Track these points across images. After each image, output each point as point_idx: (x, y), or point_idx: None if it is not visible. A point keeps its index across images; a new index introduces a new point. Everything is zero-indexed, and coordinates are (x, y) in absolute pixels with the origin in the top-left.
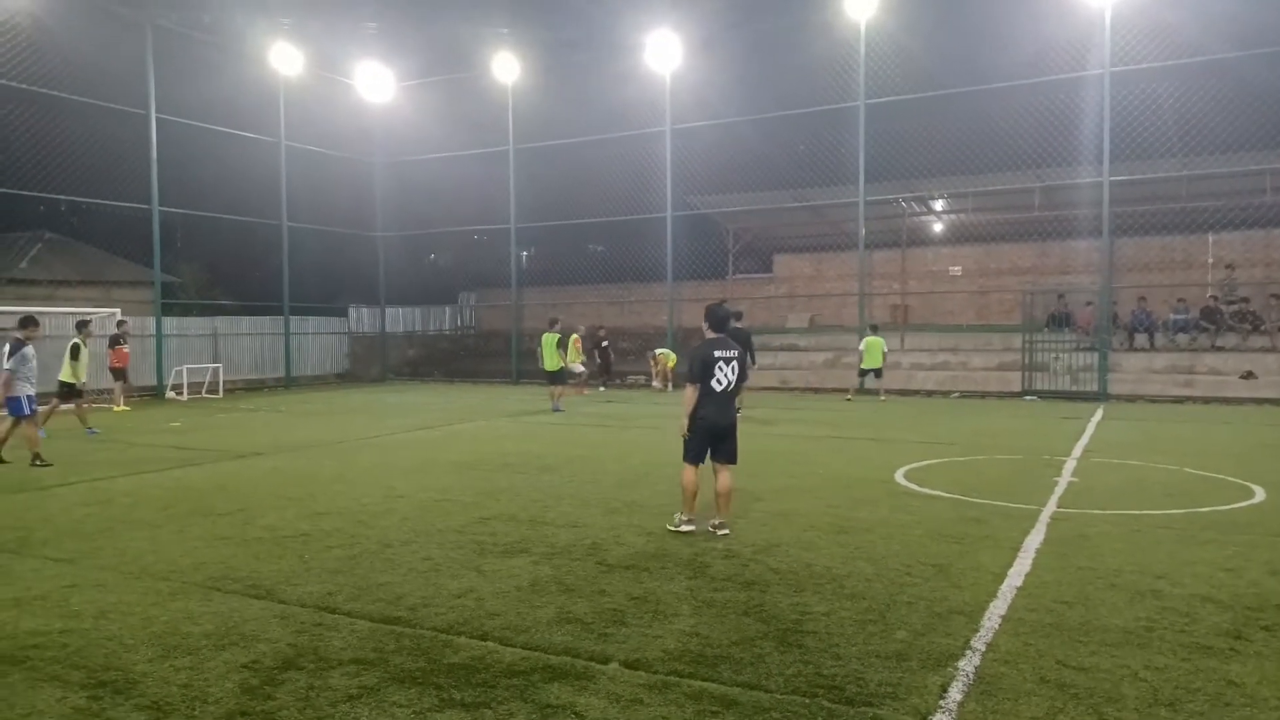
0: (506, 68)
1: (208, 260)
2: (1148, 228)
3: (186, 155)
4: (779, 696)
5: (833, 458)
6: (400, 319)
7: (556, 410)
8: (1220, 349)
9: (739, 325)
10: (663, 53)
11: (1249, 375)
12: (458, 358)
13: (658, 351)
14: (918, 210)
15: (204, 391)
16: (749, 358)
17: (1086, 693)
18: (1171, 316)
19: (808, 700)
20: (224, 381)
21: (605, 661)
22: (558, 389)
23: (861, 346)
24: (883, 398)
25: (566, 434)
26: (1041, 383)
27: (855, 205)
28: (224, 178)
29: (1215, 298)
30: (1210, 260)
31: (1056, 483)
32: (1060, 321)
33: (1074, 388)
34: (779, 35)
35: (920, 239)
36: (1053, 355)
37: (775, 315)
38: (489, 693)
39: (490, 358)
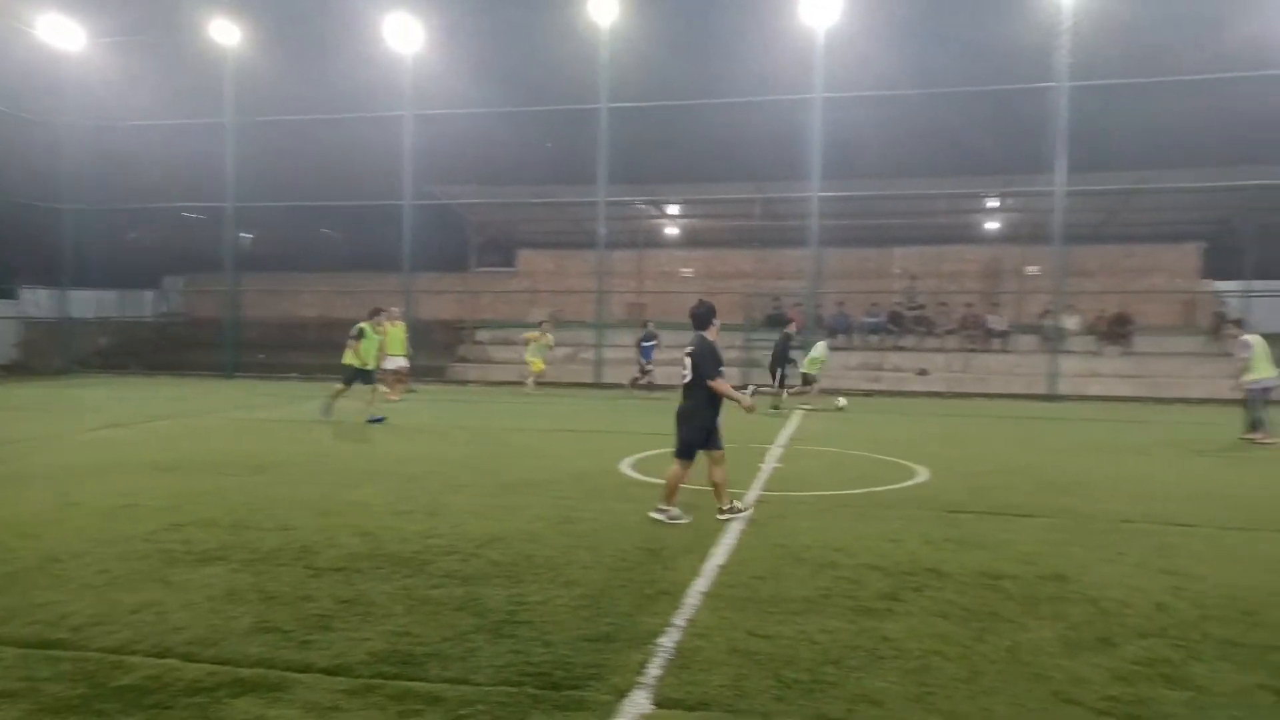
0: (225, 33)
1: None
2: (848, 240)
3: None
4: (486, 689)
5: (565, 451)
6: (89, 304)
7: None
8: (902, 349)
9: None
10: (403, 34)
11: (923, 372)
12: (161, 348)
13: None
14: (654, 214)
15: None
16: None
17: (768, 658)
18: (865, 319)
19: (514, 689)
20: None
21: (304, 670)
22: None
23: (818, 354)
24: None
25: (285, 432)
26: (757, 378)
27: (596, 205)
28: None
29: (900, 304)
30: (897, 271)
31: (762, 468)
32: (775, 322)
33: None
34: (523, 29)
35: (656, 241)
36: (767, 353)
37: (517, 310)
38: (163, 714)
39: (200, 349)
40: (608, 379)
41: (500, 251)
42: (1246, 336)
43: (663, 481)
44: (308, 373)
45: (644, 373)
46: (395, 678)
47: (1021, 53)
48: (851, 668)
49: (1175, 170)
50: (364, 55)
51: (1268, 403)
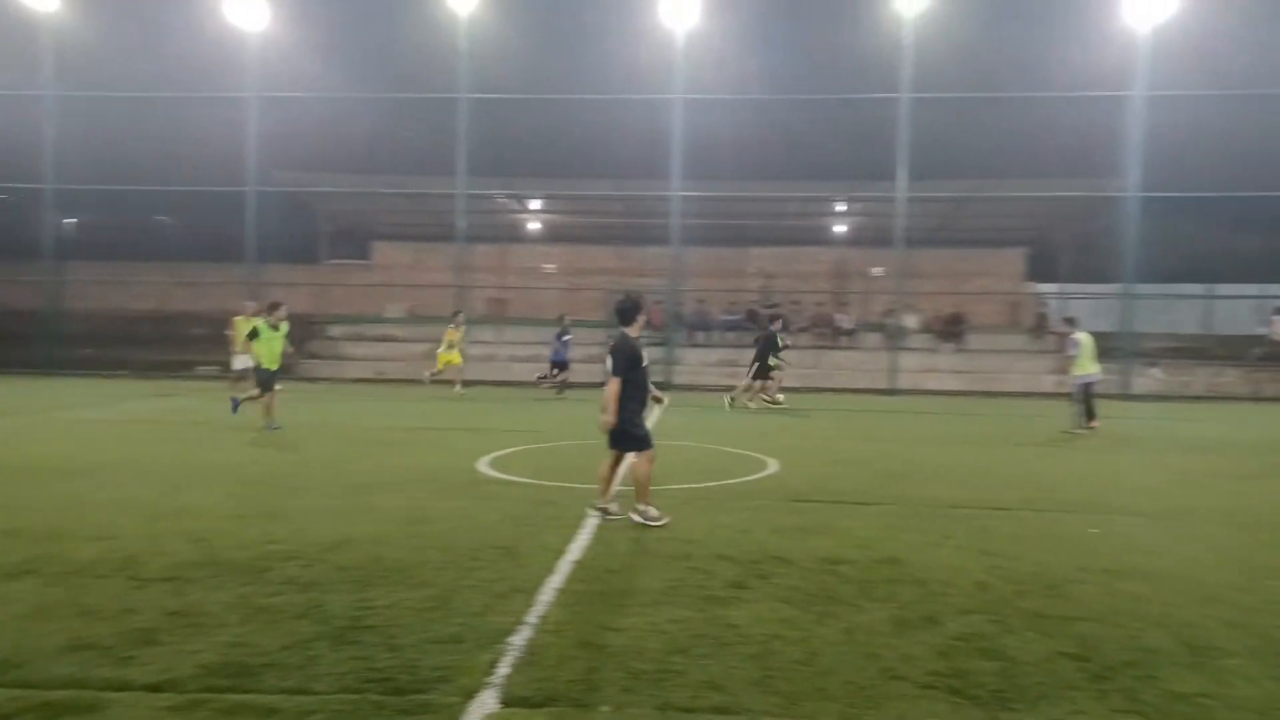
0: None
1: None
2: (708, 239)
3: None
4: (326, 697)
5: (421, 449)
6: None
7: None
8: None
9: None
10: (248, 11)
11: (777, 368)
12: None
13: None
14: (515, 208)
15: None
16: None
17: (618, 650)
18: (723, 317)
19: (355, 696)
20: None
21: (123, 688)
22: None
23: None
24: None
25: (112, 433)
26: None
27: (455, 197)
28: None
29: (756, 302)
30: (753, 270)
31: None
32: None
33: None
34: (379, 13)
35: (518, 236)
36: None
37: (372, 304)
38: None
39: (14, 343)
40: (468, 376)
41: (353, 243)
42: (1077, 335)
43: (522, 479)
44: (141, 370)
45: (556, 370)
46: (227, 690)
47: (868, 64)
48: (698, 655)
49: (1002, 180)
50: (204, 32)
51: (1091, 396)
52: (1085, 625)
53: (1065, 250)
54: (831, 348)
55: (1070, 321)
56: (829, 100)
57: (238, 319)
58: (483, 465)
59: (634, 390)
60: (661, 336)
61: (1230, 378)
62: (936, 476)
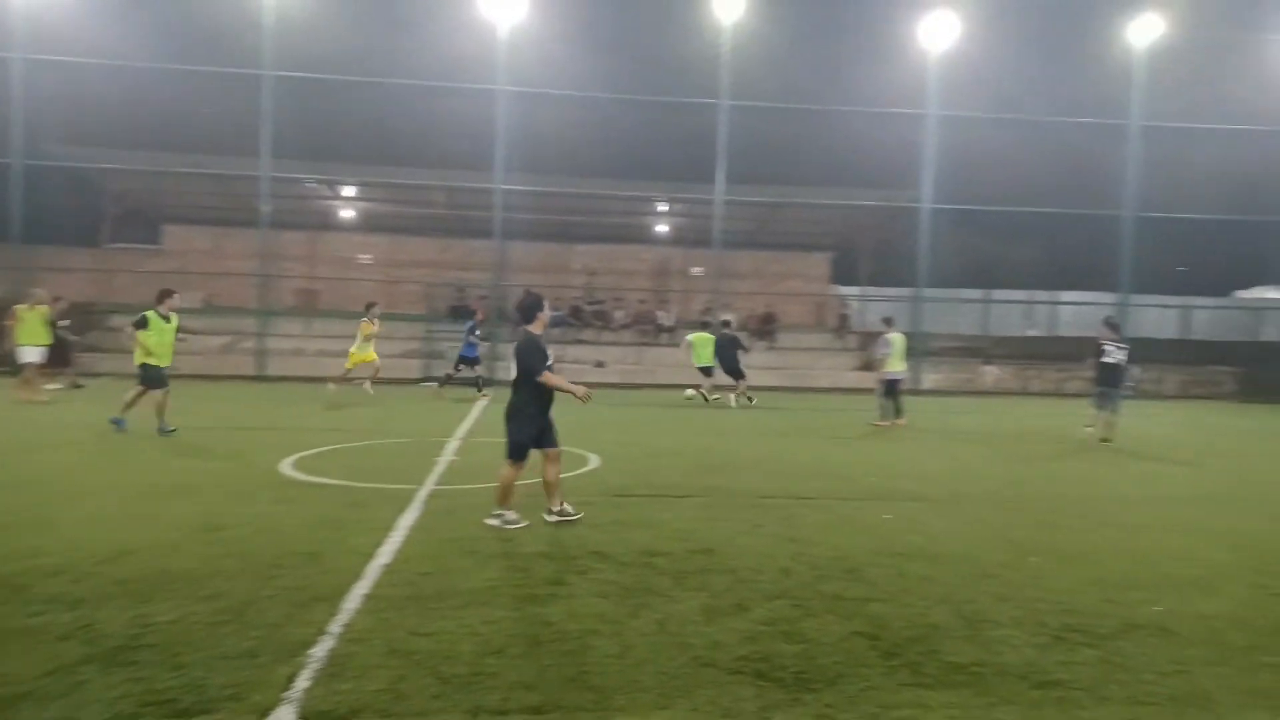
0: None
1: None
2: (533, 234)
3: None
4: None
5: (218, 450)
6: None
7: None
8: (582, 342)
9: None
10: None
11: (600, 364)
12: None
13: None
14: (327, 194)
15: None
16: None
17: (428, 655)
18: (548, 313)
19: None
20: None
21: None
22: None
23: (689, 339)
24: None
25: None
26: (439, 370)
27: (259, 179)
28: None
29: (580, 299)
30: (577, 266)
31: (438, 462)
32: (459, 314)
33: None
34: None
35: (330, 224)
36: (450, 345)
37: None
38: None
39: None
40: (272, 371)
41: (143, 225)
42: (889, 334)
43: (330, 480)
44: None
45: (458, 367)
46: None
47: (690, 69)
48: (512, 656)
49: (811, 188)
50: None
51: (897, 393)
52: (878, 606)
53: (865, 256)
54: (653, 344)
55: (888, 322)
56: (652, 102)
57: (19, 308)
58: (286, 467)
59: (534, 396)
60: (485, 332)
61: (1005, 374)
62: (750, 468)
